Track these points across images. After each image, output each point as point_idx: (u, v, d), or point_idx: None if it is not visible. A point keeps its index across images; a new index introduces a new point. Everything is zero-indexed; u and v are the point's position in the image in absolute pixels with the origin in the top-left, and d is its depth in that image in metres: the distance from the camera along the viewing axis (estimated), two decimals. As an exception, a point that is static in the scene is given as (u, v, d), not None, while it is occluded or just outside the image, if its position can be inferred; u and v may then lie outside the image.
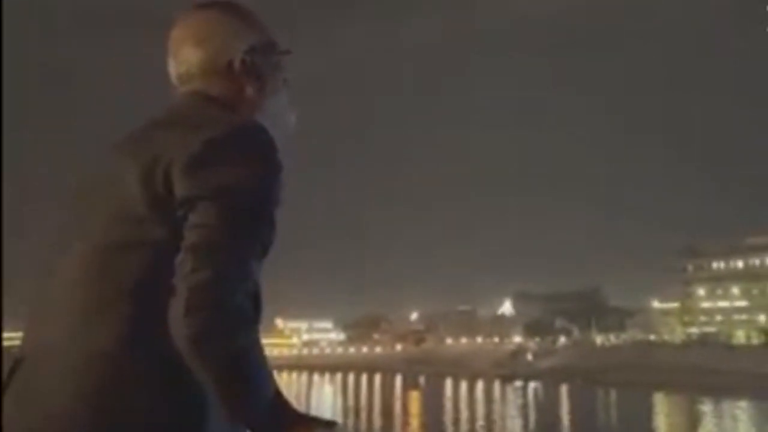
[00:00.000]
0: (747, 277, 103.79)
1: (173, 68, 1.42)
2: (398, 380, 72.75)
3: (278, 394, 1.22)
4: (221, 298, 1.14)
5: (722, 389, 49.68)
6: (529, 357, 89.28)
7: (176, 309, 1.13)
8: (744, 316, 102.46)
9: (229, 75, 1.38)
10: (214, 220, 1.17)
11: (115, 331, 1.20)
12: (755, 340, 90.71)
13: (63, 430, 1.18)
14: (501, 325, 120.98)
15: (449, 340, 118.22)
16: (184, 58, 1.40)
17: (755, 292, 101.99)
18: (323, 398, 58.18)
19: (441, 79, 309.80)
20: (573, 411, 44.58)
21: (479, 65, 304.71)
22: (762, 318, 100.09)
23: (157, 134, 1.29)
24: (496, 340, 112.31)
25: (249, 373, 1.17)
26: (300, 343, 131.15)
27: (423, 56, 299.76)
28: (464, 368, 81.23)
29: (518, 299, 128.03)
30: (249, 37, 1.41)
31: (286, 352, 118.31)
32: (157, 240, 1.21)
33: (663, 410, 43.83)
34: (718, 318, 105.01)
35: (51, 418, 1.19)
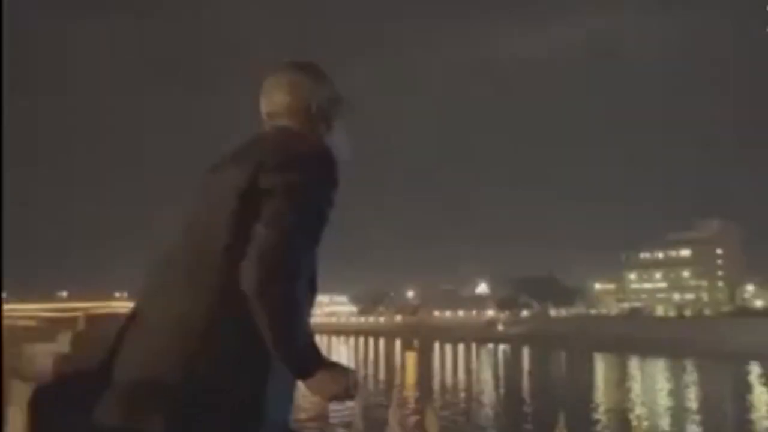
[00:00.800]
0: (666, 265, 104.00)
1: (264, 107, 1.50)
2: (397, 343, 72.09)
3: (312, 341, 1.24)
4: (286, 256, 1.19)
5: (646, 350, 49.89)
6: (500, 326, 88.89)
7: (249, 259, 1.19)
8: (663, 295, 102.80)
9: (307, 116, 1.46)
10: (286, 205, 1.23)
11: (206, 300, 1.22)
12: (671, 313, 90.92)
13: (137, 378, 1.20)
14: (478, 301, 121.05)
15: (437, 313, 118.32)
16: (275, 100, 1.48)
17: (672, 276, 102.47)
18: (340, 355, 58.20)
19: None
20: (532, 366, 45.06)
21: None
22: (677, 296, 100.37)
23: (253, 149, 1.35)
24: (474, 312, 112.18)
25: (298, 318, 1.20)
26: (322, 313, 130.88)
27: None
28: (449, 334, 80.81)
29: (492, 281, 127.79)
30: (323, 90, 1.50)
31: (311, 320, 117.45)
32: (246, 226, 1.23)
33: (600, 366, 43.99)
34: (644, 296, 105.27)
35: (131, 369, 1.21)
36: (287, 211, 1.23)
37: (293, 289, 1.19)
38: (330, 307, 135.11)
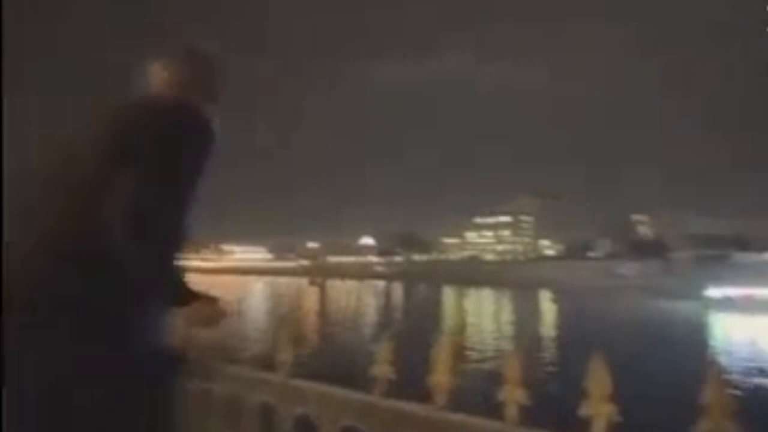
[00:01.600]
0: (494, 227, 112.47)
1: (155, 78, 1.30)
2: (304, 281, 70.69)
3: (182, 278, 1.07)
4: (151, 206, 1.01)
5: (478, 283, 52.32)
6: (379, 268, 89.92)
7: (121, 209, 0.99)
8: (491, 247, 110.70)
9: (180, 87, 1.28)
10: (154, 161, 1.03)
11: (78, 243, 1.01)
12: (496, 258, 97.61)
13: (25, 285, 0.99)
14: (364, 250, 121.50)
15: (333, 258, 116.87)
16: (163, 75, 1.29)
17: (497, 234, 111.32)
18: (257, 291, 54.99)
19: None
20: (403, 294, 45.61)
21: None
22: (500, 248, 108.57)
23: (128, 110, 1.16)
24: (362, 258, 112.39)
25: (166, 258, 1.04)
26: (235, 259, 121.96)
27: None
28: (342, 273, 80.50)
29: (375, 235, 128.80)
30: (202, 68, 1.32)
31: (229, 264, 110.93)
32: (114, 183, 1.01)
33: (447, 293, 45.09)
34: (479, 248, 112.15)
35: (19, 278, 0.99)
36: (155, 167, 1.03)
37: (159, 234, 1.02)
38: (242, 255, 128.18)
